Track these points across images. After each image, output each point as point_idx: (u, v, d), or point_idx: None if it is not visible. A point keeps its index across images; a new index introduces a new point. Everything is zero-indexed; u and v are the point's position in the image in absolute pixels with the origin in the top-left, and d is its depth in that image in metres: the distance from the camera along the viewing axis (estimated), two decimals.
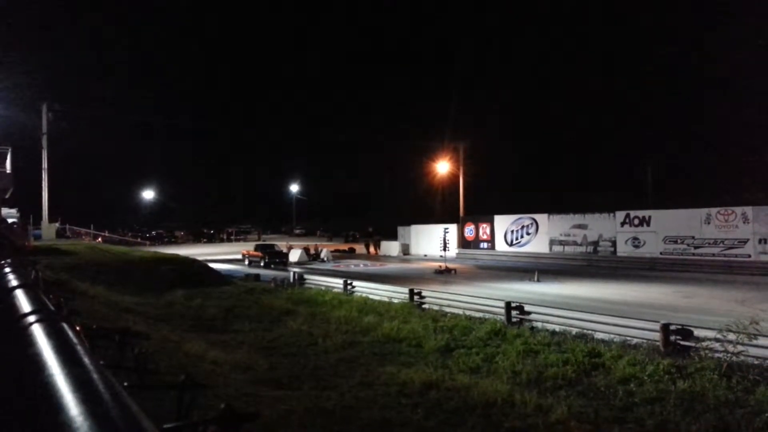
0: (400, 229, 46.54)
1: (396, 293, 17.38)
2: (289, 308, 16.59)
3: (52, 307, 2.02)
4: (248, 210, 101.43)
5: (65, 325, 1.60)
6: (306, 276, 23.27)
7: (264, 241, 53.33)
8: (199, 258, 29.25)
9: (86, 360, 1.21)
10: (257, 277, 25.28)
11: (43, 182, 35.20)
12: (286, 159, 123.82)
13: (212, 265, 27.66)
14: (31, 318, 1.63)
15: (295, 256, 38.17)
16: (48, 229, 35.57)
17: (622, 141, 61.11)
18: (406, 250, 44.50)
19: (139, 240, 64.37)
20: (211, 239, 72.38)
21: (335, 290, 19.70)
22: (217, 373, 8.53)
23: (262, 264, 33.39)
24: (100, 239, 52.08)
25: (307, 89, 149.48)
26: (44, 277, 4.18)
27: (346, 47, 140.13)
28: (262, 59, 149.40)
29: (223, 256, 41.31)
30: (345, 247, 52.37)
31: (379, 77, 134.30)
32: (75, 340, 1.42)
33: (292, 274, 23.69)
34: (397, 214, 55.08)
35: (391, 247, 45.15)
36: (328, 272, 28.58)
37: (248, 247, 41.50)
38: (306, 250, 39.81)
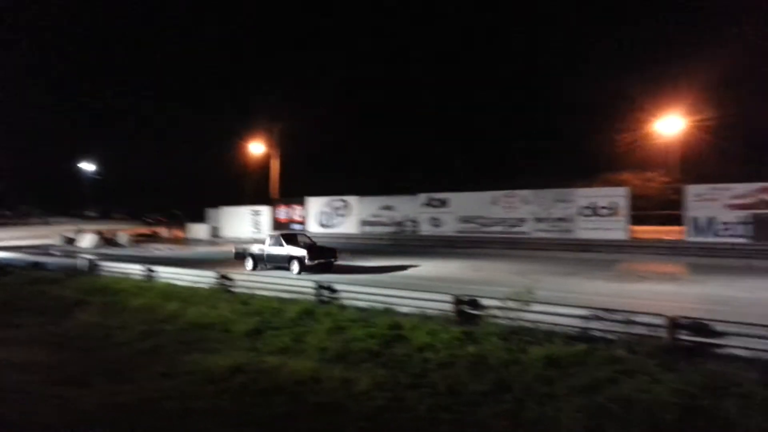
0: (209, 212, 44.66)
1: (203, 278, 16.63)
2: (79, 298, 15.06)
3: None
4: (20, 190, 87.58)
5: None
6: (100, 263, 21.16)
7: (49, 225, 47.27)
8: None
9: None
10: (43, 265, 22.56)
11: None
12: (73, 139, 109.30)
13: None
14: None
15: (87, 241, 34.60)
16: None
17: (440, 128, 65.07)
18: (215, 233, 42.90)
19: None
20: None
21: (135, 277, 18.26)
22: None
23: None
24: None
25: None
26: None
27: None
28: None
29: (3, 242, 35.97)
30: (147, 230, 48.68)
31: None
32: None
33: (84, 260, 21.40)
34: (206, 195, 52.49)
35: (199, 230, 43.16)
36: (127, 258, 26.32)
37: (29, 232, 36.50)
38: (100, 233, 36.32)
